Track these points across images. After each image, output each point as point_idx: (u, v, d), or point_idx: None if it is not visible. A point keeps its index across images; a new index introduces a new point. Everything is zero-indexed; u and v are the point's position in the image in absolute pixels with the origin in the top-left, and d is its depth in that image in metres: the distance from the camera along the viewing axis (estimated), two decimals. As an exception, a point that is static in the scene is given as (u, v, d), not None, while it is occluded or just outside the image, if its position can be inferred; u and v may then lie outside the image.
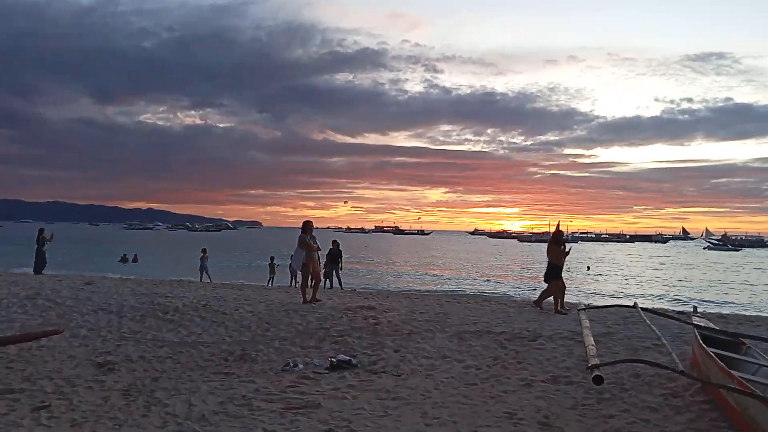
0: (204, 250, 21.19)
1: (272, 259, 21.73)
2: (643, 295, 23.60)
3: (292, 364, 6.62)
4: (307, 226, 10.98)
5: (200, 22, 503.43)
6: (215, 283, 17.93)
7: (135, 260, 36.44)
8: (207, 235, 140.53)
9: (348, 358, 6.77)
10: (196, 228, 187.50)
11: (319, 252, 11.23)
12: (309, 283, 11.10)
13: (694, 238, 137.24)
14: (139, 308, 9.95)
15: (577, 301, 14.03)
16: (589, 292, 24.63)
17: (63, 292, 11.57)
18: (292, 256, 11.13)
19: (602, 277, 34.07)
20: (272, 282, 20.86)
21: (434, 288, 25.55)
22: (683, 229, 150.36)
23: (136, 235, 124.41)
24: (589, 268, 40.52)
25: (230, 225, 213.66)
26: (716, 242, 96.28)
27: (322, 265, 18.72)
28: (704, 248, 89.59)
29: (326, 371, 6.42)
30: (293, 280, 17.33)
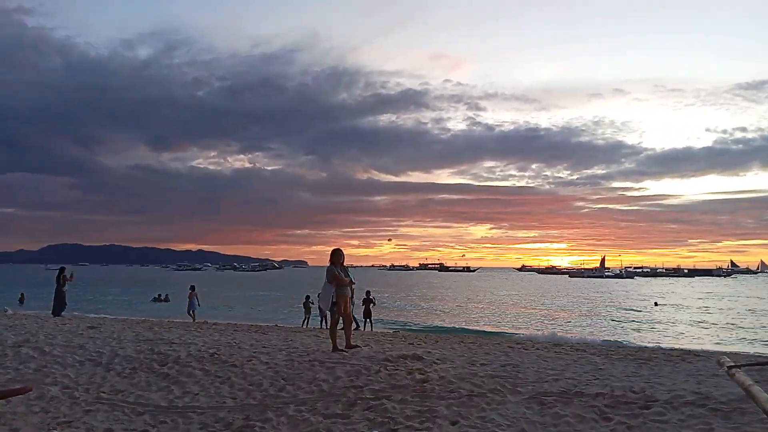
0: (192, 288, 19.59)
1: (307, 298, 19.90)
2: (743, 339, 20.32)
3: (304, 447, 4.61)
4: (336, 255, 8.93)
5: (250, 71, 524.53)
6: (238, 324, 16.14)
7: (167, 299, 36.46)
8: (253, 274, 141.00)
9: (385, 437, 4.70)
10: (242, 268, 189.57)
11: (352, 287, 9.22)
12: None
13: (756, 272, 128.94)
14: (133, 359, 8.17)
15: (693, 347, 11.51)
16: (676, 333, 21.57)
17: (58, 337, 9.98)
18: (319, 294, 9.12)
19: (677, 315, 30.51)
20: (307, 323, 19.08)
21: (493, 330, 22.90)
22: (731, 262, 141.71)
23: (184, 275, 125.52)
24: (656, 303, 37.06)
25: (276, 264, 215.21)
26: None
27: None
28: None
29: (353, 459, 4.38)
30: (323, 321, 15.44)
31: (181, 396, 6.48)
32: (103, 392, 6.63)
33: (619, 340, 18.24)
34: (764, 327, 24.24)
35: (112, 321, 14.85)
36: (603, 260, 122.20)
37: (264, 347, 9.17)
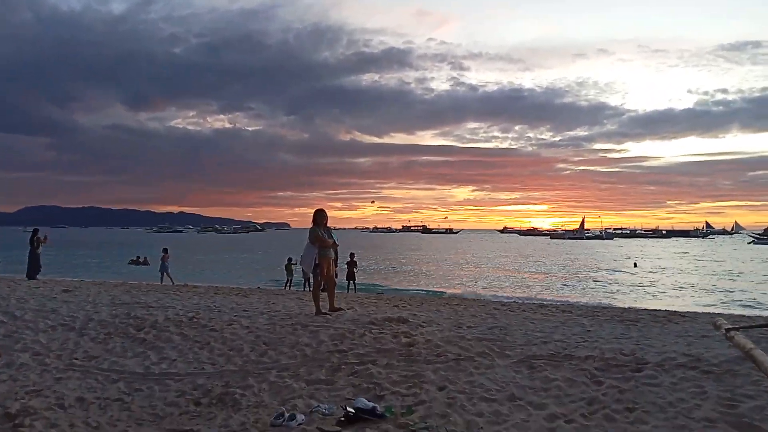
0: (165, 250, 19.27)
1: (289, 260, 19.65)
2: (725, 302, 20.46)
3: (287, 416, 4.40)
4: (320, 216, 8.63)
5: (229, 27, 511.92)
6: (219, 287, 15.89)
7: (145, 262, 35.91)
8: (235, 236, 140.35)
9: (371, 405, 4.50)
10: (224, 230, 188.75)
11: (336, 248, 8.94)
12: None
13: (731, 233, 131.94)
14: (108, 323, 7.88)
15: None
16: (660, 292, 21.75)
17: (30, 302, 9.63)
18: (302, 255, 8.83)
19: (657, 276, 30.88)
20: (290, 285, 18.91)
21: (478, 292, 22.84)
22: (707, 223, 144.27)
23: (165, 238, 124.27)
24: (636, 264, 37.61)
25: (258, 227, 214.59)
26: (760, 236, 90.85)
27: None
28: (748, 243, 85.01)
29: (338, 428, 4.18)
30: (306, 284, 15.27)
31: (158, 362, 6.24)
32: (76, 359, 6.37)
33: (602, 301, 18.39)
34: (734, 290, 24.61)
35: (88, 284, 14.50)
36: (583, 222, 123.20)
37: (245, 311, 8.94)
